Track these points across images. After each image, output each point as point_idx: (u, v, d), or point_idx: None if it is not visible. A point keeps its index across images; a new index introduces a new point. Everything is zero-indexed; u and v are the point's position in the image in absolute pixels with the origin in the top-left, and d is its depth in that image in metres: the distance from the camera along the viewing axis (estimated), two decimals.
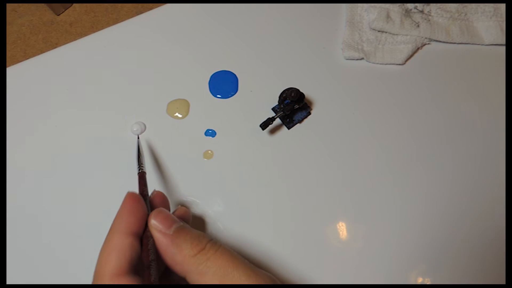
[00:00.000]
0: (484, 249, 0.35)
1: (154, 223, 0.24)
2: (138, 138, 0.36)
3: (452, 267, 0.34)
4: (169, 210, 0.30)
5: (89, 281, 0.33)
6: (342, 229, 0.35)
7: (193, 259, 0.22)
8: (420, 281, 0.34)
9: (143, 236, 0.24)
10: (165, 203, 0.29)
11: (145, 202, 0.26)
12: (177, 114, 0.39)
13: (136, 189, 0.34)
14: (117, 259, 0.22)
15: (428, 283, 0.34)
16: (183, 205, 0.35)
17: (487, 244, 0.35)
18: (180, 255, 0.23)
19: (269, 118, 0.35)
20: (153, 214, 0.25)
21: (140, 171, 0.30)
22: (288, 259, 0.34)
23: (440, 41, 0.42)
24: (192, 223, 0.35)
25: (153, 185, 0.36)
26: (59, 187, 0.36)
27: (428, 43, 0.42)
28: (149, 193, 0.29)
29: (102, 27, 0.43)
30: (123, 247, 0.22)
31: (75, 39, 0.43)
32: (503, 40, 0.41)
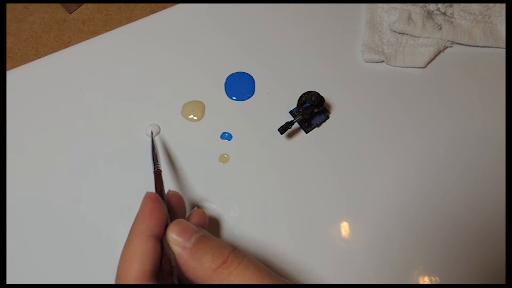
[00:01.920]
0: (484, 250, 0.34)
1: (173, 236, 0.23)
2: (152, 134, 0.35)
3: (452, 267, 0.34)
4: (185, 210, 0.29)
5: (91, 281, 0.32)
6: (357, 231, 0.34)
7: (215, 273, 0.21)
8: (421, 280, 0.33)
9: (163, 239, 0.23)
10: (181, 203, 0.28)
11: (163, 201, 0.26)
12: (192, 116, 0.38)
13: (151, 189, 0.33)
14: (141, 264, 0.21)
15: (428, 283, 0.33)
16: (198, 207, 0.34)
17: (488, 244, 0.34)
18: (201, 269, 0.21)
19: (288, 122, 0.34)
20: (170, 226, 0.23)
21: (156, 169, 0.29)
22: (305, 262, 0.33)
23: (462, 44, 0.41)
24: (208, 230, 0.34)
25: (166, 189, 0.35)
26: (71, 187, 0.35)
27: (450, 46, 0.41)
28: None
29: (115, 26, 0.43)
30: (146, 250, 0.21)
31: (87, 38, 0.42)
32: None
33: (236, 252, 0.22)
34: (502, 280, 0.33)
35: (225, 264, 0.21)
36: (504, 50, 0.41)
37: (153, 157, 0.31)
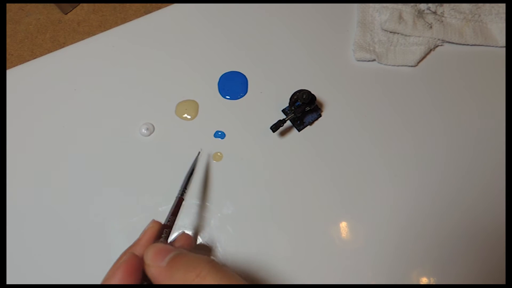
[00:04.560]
0: (484, 250, 0.35)
1: (148, 260, 0.22)
2: (199, 154, 0.34)
3: (452, 267, 0.34)
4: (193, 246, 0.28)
5: (90, 281, 0.33)
6: (349, 230, 0.35)
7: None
8: (421, 281, 0.33)
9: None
10: (189, 245, 0.27)
11: (167, 233, 0.26)
12: (186, 115, 0.38)
13: (145, 188, 0.34)
14: None
15: (428, 283, 0.33)
16: (185, 231, 0.34)
17: (488, 244, 0.35)
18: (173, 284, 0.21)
19: (279, 120, 0.35)
20: (146, 251, 0.23)
21: (180, 195, 0.28)
22: (297, 260, 0.34)
23: (453, 43, 0.42)
24: (202, 228, 0.34)
25: (161, 188, 0.36)
26: (64, 187, 0.36)
27: (441, 45, 0.42)
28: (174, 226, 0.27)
29: (110, 27, 0.43)
30: None
31: (83, 39, 0.42)
32: None
33: (211, 265, 0.21)
34: (502, 280, 0.34)
35: (198, 278, 0.20)
36: (494, 48, 0.42)
37: (187, 179, 0.30)
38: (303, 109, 0.35)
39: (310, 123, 0.38)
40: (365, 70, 0.41)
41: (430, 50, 0.41)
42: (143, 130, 0.37)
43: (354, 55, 0.41)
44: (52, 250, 0.34)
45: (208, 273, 0.20)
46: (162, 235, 0.25)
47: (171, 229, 0.26)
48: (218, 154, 0.37)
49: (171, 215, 0.27)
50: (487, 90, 0.40)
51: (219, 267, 0.21)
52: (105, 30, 0.43)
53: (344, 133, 0.38)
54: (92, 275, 0.33)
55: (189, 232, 0.34)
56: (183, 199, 0.28)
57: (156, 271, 0.21)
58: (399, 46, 0.41)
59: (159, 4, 0.46)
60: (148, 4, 0.43)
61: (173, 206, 0.27)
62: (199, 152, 0.34)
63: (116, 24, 0.45)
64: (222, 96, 0.39)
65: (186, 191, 0.29)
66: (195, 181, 0.36)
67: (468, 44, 0.42)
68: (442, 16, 0.42)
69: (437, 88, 0.40)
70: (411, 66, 0.41)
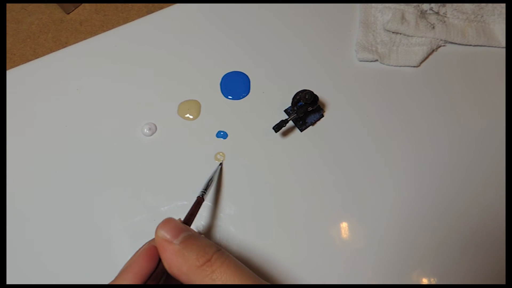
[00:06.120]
0: (484, 250, 0.34)
1: (162, 233, 0.23)
2: (221, 165, 0.36)
3: (452, 267, 0.34)
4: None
5: (91, 281, 0.33)
6: (350, 230, 0.35)
7: (198, 270, 0.22)
8: (421, 281, 0.33)
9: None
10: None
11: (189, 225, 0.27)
12: (188, 115, 0.38)
13: (149, 189, 0.34)
14: None
15: (428, 283, 0.33)
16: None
17: (488, 244, 0.35)
18: (185, 265, 0.22)
19: (282, 121, 0.35)
20: (161, 224, 0.24)
21: (200, 195, 0.30)
22: (298, 260, 0.34)
23: (455, 43, 0.41)
24: (204, 228, 0.34)
25: (163, 188, 0.36)
26: (67, 187, 0.36)
27: (444, 45, 0.42)
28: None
29: (113, 26, 0.43)
30: None
31: (85, 38, 0.42)
32: None
33: (221, 253, 0.23)
34: (502, 280, 0.34)
35: (209, 263, 0.22)
36: (496, 49, 0.42)
37: (208, 182, 0.32)
38: (305, 109, 0.35)
39: (313, 124, 0.38)
40: (368, 70, 0.41)
41: (433, 50, 0.41)
42: (145, 130, 0.37)
43: (356, 56, 0.41)
44: (53, 250, 0.34)
45: (217, 258, 0.22)
46: None
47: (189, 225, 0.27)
48: (220, 154, 0.37)
49: (189, 215, 0.28)
50: (490, 91, 0.40)
51: (227, 254, 0.23)
52: (107, 30, 0.43)
53: (346, 133, 0.38)
54: (93, 275, 0.33)
55: None
56: (203, 200, 0.30)
57: (171, 246, 0.23)
58: (401, 47, 0.41)
59: (161, 4, 0.46)
60: (150, 4, 0.43)
61: (192, 206, 0.29)
62: (221, 163, 0.36)
63: (119, 24, 0.45)
64: (225, 96, 0.39)
65: (206, 192, 0.31)
66: (197, 181, 0.36)
67: (470, 45, 0.42)
68: (445, 16, 0.42)
69: (440, 89, 0.40)
70: (414, 66, 0.40)
